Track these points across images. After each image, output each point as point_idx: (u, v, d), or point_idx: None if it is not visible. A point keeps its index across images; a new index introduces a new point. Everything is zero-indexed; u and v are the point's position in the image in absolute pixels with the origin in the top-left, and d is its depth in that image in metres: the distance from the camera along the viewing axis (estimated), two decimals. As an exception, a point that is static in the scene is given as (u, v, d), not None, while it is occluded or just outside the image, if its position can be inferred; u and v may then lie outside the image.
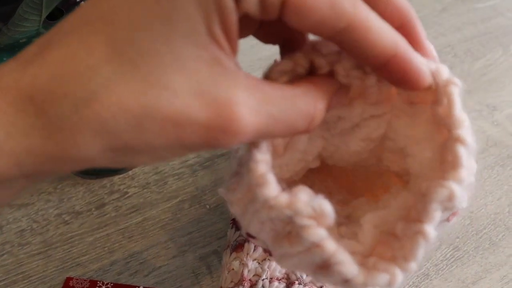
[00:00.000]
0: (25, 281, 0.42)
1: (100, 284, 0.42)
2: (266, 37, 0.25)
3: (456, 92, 0.22)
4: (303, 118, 0.21)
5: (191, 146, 0.19)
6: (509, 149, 0.51)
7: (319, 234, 0.20)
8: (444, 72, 0.23)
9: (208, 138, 0.18)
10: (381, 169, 0.29)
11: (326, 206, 0.20)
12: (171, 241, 0.45)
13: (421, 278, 0.42)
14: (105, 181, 0.50)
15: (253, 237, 0.25)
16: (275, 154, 0.26)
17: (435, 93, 0.23)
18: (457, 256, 0.43)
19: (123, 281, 0.43)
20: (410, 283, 0.42)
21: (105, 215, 0.47)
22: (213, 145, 0.19)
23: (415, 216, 0.21)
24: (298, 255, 0.22)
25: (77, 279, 0.42)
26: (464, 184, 0.21)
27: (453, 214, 0.23)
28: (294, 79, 0.22)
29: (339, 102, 0.24)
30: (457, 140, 0.21)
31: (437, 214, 0.21)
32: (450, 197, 0.20)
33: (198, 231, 0.46)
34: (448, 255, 0.43)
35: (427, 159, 0.23)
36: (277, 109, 0.20)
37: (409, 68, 0.21)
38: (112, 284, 0.42)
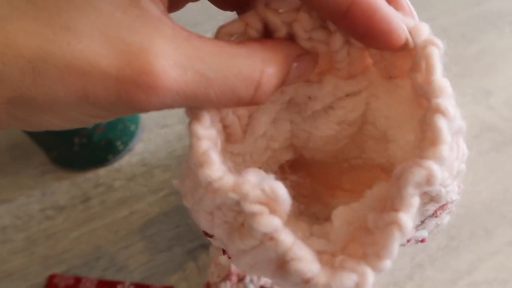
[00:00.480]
0: (8, 279, 0.41)
1: (85, 281, 0.41)
2: (220, 2, 0.22)
3: (436, 54, 0.19)
4: (245, 83, 0.18)
5: (99, 102, 0.16)
6: (504, 135, 0.50)
7: (272, 223, 0.17)
8: (424, 31, 0.19)
9: (119, 93, 0.16)
10: (367, 163, 0.27)
11: (279, 189, 0.17)
12: (158, 235, 0.44)
13: (415, 269, 0.41)
14: (90, 174, 0.48)
15: (210, 236, 0.22)
16: (232, 137, 0.23)
17: (414, 58, 0.20)
18: (452, 246, 0.42)
19: (109, 277, 0.41)
20: (404, 274, 0.41)
21: (90, 209, 0.46)
22: (127, 103, 0.16)
23: (389, 205, 0.18)
24: (251, 251, 0.19)
25: (61, 276, 0.41)
26: (446, 163, 0.17)
27: (441, 208, 0.21)
28: None
29: (303, 71, 0.21)
30: (437, 110, 0.18)
31: (414, 200, 0.17)
32: (429, 179, 0.17)
33: (186, 224, 0.44)
34: (442, 245, 0.42)
35: (410, 143, 0.20)
36: (211, 69, 0.17)
37: (373, 15, 0.18)
38: (97, 280, 0.41)
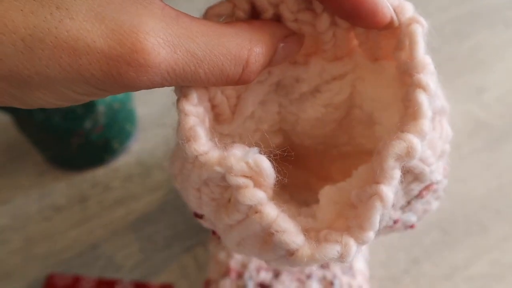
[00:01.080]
0: (6, 279, 0.41)
1: (84, 280, 0.41)
2: None
3: (420, 31, 0.20)
4: (234, 62, 0.18)
5: (91, 79, 0.17)
6: (498, 131, 0.51)
7: (257, 196, 0.18)
8: (408, 10, 0.20)
9: (110, 70, 0.16)
10: (356, 150, 0.27)
11: (264, 163, 0.18)
12: (157, 234, 0.44)
13: (411, 264, 0.41)
14: (87, 174, 0.48)
15: (200, 217, 0.23)
16: (221, 117, 0.23)
17: (398, 36, 0.20)
18: (447, 241, 0.43)
19: (108, 275, 0.42)
20: (401, 269, 0.41)
21: (87, 209, 0.46)
22: (118, 80, 0.17)
23: (371, 179, 0.18)
24: (238, 226, 0.19)
25: (60, 276, 0.41)
26: (426, 137, 0.18)
27: (427, 188, 0.21)
28: None
29: (289, 52, 0.21)
30: (418, 85, 0.18)
31: (395, 173, 0.18)
32: (409, 151, 0.17)
33: (184, 222, 0.44)
34: (437, 240, 0.43)
35: (396, 125, 0.21)
36: (200, 48, 0.18)
37: None
38: (96, 279, 0.41)
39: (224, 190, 0.19)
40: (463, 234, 0.43)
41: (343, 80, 0.24)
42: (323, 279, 0.35)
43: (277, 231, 0.18)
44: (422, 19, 0.20)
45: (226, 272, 0.36)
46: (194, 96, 0.20)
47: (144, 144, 0.50)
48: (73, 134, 0.43)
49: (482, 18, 0.62)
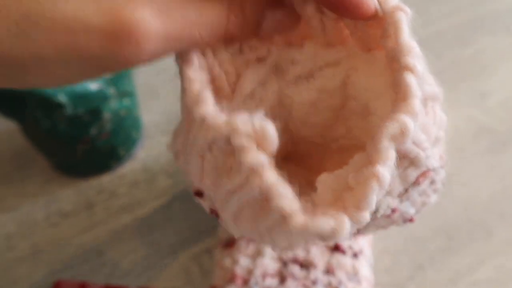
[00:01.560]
0: (13, 286, 0.41)
1: (91, 287, 0.41)
2: None
3: (404, 19, 0.20)
4: (219, 17, 0.20)
5: (89, 57, 0.17)
6: (502, 136, 0.51)
7: (258, 157, 0.18)
8: None
9: (108, 46, 0.17)
10: (354, 144, 0.28)
11: (268, 127, 0.18)
12: (162, 240, 0.44)
13: (416, 270, 0.42)
14: (93, 181, 0.49)
15: (200, 195, 0.23)
16: (221, 92, 0.24)
17: (384, 25, 0.21)
18: (452, 246, 0.43)
19: (114, 282, 0.42)
20: (405, 275, 0.41)
21: (94, 215, 0.46)
22: (117, 55, 0.17)
23: (367, 162, 0.19)
24: (237, 192, 0.20)
25: (66, 282, 0.41)
26: (417, 116, 0.18)
27: (423, 175, 0.21)
28: None
29: (280, 23, 0.22)
30: (405, 68, 0.19)
31: (390, 153, 0.18)
32: (402, 131, 0.18)
33: (190, 229, 0.45)
34: (442, 246, 0.43)
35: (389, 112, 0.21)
36: (190, 12, 0.19)
37: None
38: (103, 286, 0.41)
39: (227, 157, 0.20)
40: (467, 239, 0.43)
41: (336, 69, 0.25)
42: (328, 285, 0.35)
43: (274, 195, 0.18)
44: (406, 7, 0.21)
45: (231, 279, 0.36)
46: (195, 62, 0.20)
47: (149, 151, 0.51)
48: (79, 141, 0.44)
49: (484, 25, 0.62)
